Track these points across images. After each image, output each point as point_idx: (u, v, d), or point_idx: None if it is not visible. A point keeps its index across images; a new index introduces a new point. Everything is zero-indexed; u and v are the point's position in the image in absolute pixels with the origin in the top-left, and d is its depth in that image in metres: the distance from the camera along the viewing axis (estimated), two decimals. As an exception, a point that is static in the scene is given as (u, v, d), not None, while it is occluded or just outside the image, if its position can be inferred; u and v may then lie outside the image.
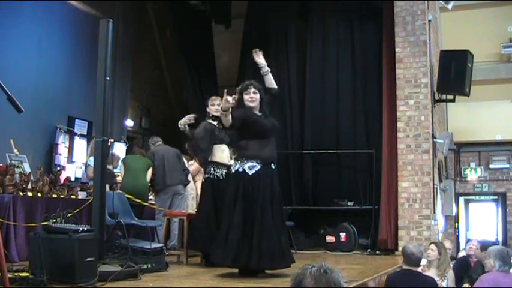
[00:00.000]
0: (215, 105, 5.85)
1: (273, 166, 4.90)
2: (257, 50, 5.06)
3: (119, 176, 7.51)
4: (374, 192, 8.28)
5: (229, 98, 4.62)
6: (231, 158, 5.64)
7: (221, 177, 5.67)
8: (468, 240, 7.55)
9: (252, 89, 4.92)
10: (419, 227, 7.65)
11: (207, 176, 5.78)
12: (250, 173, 4.74)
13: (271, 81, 5.07)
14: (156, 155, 7.39)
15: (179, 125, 5.85)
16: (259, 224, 4.62)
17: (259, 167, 4.76)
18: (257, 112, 4.93)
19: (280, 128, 9.17)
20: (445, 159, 10.04)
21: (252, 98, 4.90)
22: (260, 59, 5.04)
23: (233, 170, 4.90)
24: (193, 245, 5.93)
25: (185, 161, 7.63)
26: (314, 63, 9.54)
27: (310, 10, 9.73)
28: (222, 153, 5.77)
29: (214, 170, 5.71)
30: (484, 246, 5.63)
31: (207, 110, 5.97)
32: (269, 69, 5.05)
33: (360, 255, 7.82)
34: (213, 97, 6.07)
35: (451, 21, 10.89)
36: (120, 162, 7.58)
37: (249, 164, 4.76)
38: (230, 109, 4.66)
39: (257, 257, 4.57)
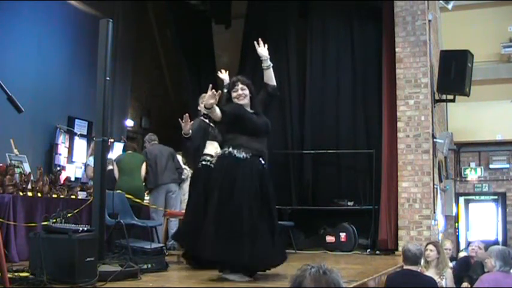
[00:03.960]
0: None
1: (262, 161, 4.54)
2: (260, 40, 4.74)
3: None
4: (374, 192, 8.26)
5: (215, 93, 4.23)
6: None
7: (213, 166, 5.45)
8: (469, 243, 7.54)
9: (240, 85, 4.55)
10: (419, 227, 7.65)
11: (200, 165, 5.48)
12: (237, 156, 4.40)
13: (270, 76, 4.71)
14: (149, 154, 7.45)
15: (184, 135, 5.66)
16: (249, 221, 4.28)
17: (246, 154, 4.42)
18: (249, 109, 4.60)
19: (280, 128, 9.34)
20: (445, 159, 10.03)
21: (240, 94, 4.53)
22: (263, 51, 4.68)
23: (218, 154, 4.63)
24: (177, 238, 5.80)
25: (180, 160, 7.64)
26: (314, 63, 9.53)
27: (310, 10, 9.72)
28: (216, 149, 5.68)
29: (209, 161, 5.45)
30: (488, 246, 5.63)
31: (198, 108, 5.82)
32: (271, 64, 4.73)
33: (360, 255, 7.81)
34: (202, 94, 5.95)
35: (451, 21, 10.88)
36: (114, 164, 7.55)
37: (236, 149, 4.42)
38: (213, 106, 4.27)
39: (248, 255, 4.26)
